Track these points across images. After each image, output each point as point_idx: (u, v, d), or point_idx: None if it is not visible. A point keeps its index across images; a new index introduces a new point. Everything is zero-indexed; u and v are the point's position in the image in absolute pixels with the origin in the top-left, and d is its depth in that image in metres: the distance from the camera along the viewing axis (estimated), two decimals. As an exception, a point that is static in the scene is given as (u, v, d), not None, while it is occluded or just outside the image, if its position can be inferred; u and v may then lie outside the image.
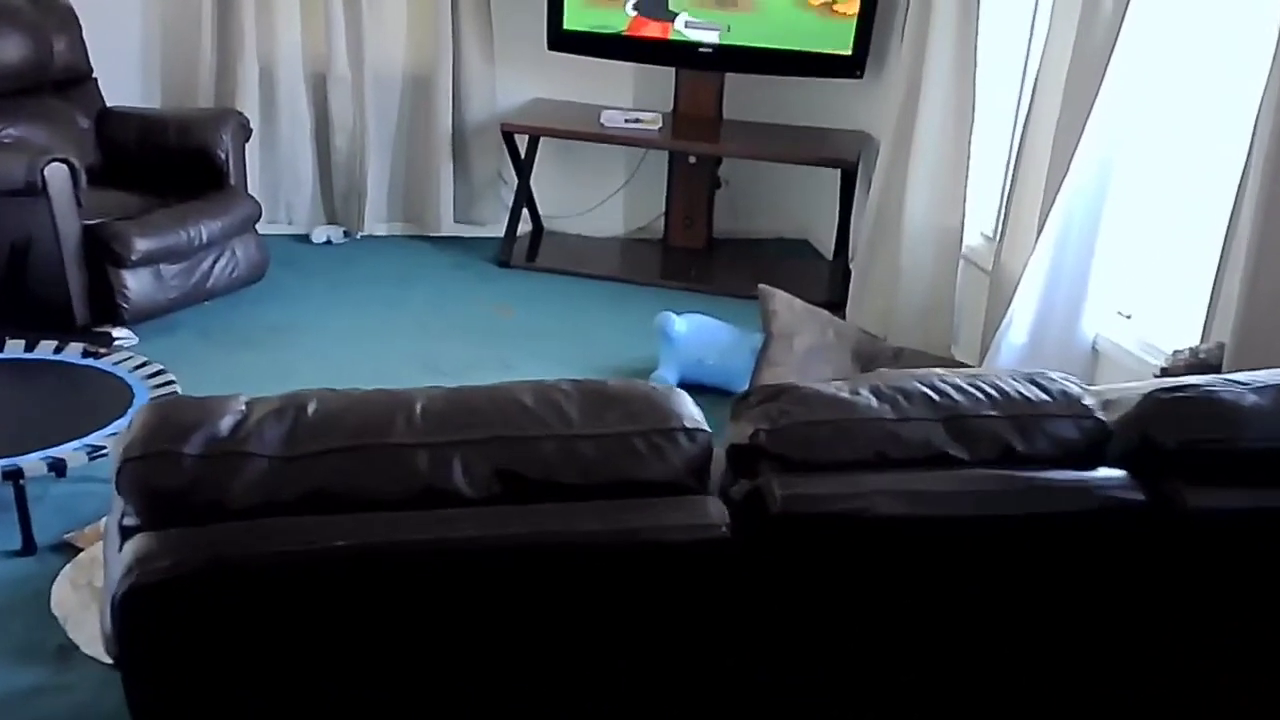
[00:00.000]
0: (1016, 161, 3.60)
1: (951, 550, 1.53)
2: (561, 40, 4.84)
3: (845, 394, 1.65)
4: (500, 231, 5.25)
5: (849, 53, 4.66)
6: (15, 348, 3.35)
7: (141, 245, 3.90)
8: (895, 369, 3.75)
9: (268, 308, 4.39)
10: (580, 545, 1.47)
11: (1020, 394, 1.65)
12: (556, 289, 4.83)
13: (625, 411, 1.55)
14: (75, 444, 2.84)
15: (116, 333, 3.97)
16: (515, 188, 5.08)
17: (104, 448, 2.83)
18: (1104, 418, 1.65)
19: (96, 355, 3.36)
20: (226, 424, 1.50)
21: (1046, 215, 3.26)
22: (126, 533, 1.47)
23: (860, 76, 4.71)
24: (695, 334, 3.81)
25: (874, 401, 1.62)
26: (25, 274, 3.89)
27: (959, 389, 1.65)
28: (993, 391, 1.65)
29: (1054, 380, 1.71)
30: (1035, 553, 1.54)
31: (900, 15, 4.43)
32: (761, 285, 3.78)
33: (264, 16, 4.80)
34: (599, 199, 5.37)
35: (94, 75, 4.54)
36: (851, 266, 4.79)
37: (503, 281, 4.89)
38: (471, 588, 1.47)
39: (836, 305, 4.60)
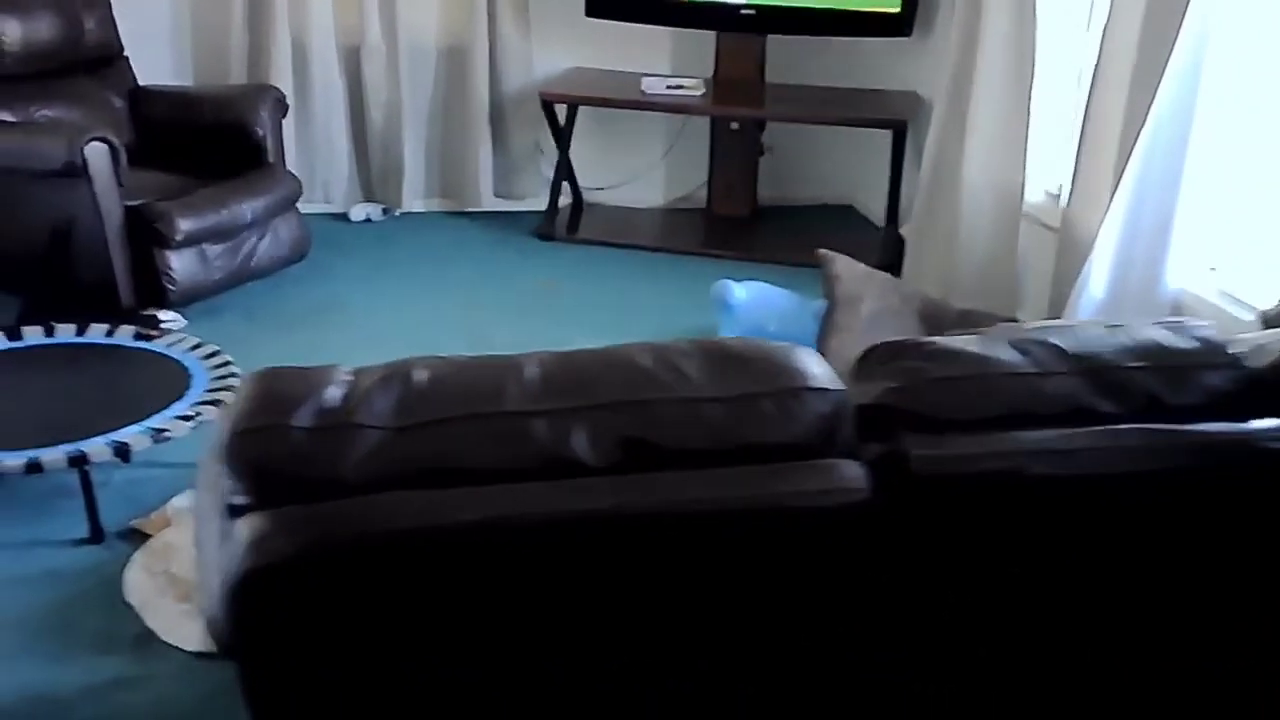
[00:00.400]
0: (1085, 114, 3.48)
1: (1104, 511, 1.44)
2: (599, 6, 4.73)
3: (978, 348, 1.56)
4: (539, 205, 5.16)
5: (897, 10, 4.54)
6: (66, 332, 3.27)
7: (185, 225, 3.82)
8: (961, 331, 3.68)
9: (311, 287, 4.31)
10: (713, 514, 1.38)
11: (1162, 343, 1.56)
12: (600, 261, 4.73)
13: (751, 371, 1.46)
14: (138, 427, 2.77)
15: (163, 315, 3.90)
16: (555, 160, 4.99)
17: (167, 430, 2.76)
18: (1252, 365, 1.55)
19: (149, 338, 3.29)
20: (334, 394, 1.42)
21: (1124, 167, 3.15)
22: (234, 511, 1.39)
23: (909, 35, 4.59)
24: (755, 301, 3.72)
25: (1010, 355, 1.53)
26: (68, 257, 3.82)
27: (1098, 339, 1.56)
28: (1133, 342, 1.56)
29: (1193, 328, 1.62)
30: (1194, 510, 1.45)
31: (951, -31, 4.31)
32: (821, 250, 3.66)
33: (295, -7, 4.71)
34: (639, 169, 5.27)
35: (125, 53, 4.46)
36: (903, 231, 4.69)
37: (545, 255, 4.80)
38: (599, 561, 1.39)
39: (890, 270, 4.50)
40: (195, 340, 3.24)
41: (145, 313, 3.89)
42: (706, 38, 4.94)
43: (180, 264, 3.86)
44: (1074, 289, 3.25)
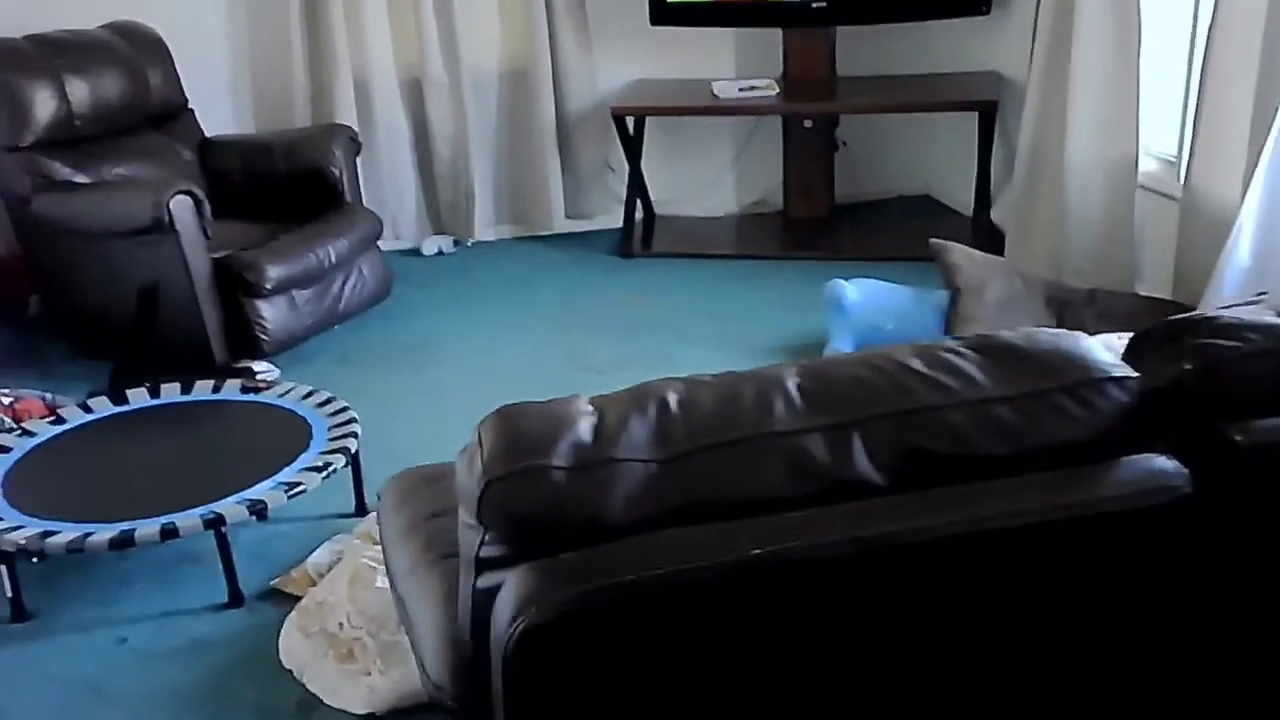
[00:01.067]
0: (1204, 73, 3.32)
1: None
2: (664, 13, 4.61)
3: (1265, 320, 1.41)
4: (611, 223, 5.05)
5: (973, -13, 4.40)
6: (171, 391, 3.16)
7: (274, 272, 3.71)
8: (1091, 311, 3.52)
9: (398, 326, 4.20)
10: (1021, 528, 1.24)
11: None
12: (683, 273, 4.60)
13: (1037, 366, 1.32)
14: (269, 483, 2.65)
15: (257, 366, 3.78)
16: (626, 175, 4.87)
17: (300, 484, 2.64)
18: None
19: (256, 390, 3.18)
20: (586, 428, 1.28)
21: (1264, 129, 2.99)
22: (486, 565, 1.25)
23: (987, 13, 4.45)
24: (870, 299, 3.57)
25: (1303, 322, 1.39)
26: (156, 317, 3.72)
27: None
28: None
29: None
30: None
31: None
32: (934, 240, 3.53)
33: (354, 27, 4.61)
34: (710, 176, 5.14)
35: (190, 106, 4.37)
36: (995, 215, 4.54)
37: (628, 272, 4.66)
38: (898, 587, 1.25)
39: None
40: (305, 388, 3.12)
41: (239, 365, 3.78)
42: (772, 37, 4.81)
43: (271, 312, 3.76)
44: (1221, 258, 3.08)
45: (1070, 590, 1.27)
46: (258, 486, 2.64)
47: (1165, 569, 1.28)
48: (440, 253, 4.92)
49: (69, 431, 2.99)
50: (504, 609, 1.18)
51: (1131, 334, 1.42)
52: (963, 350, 1.35)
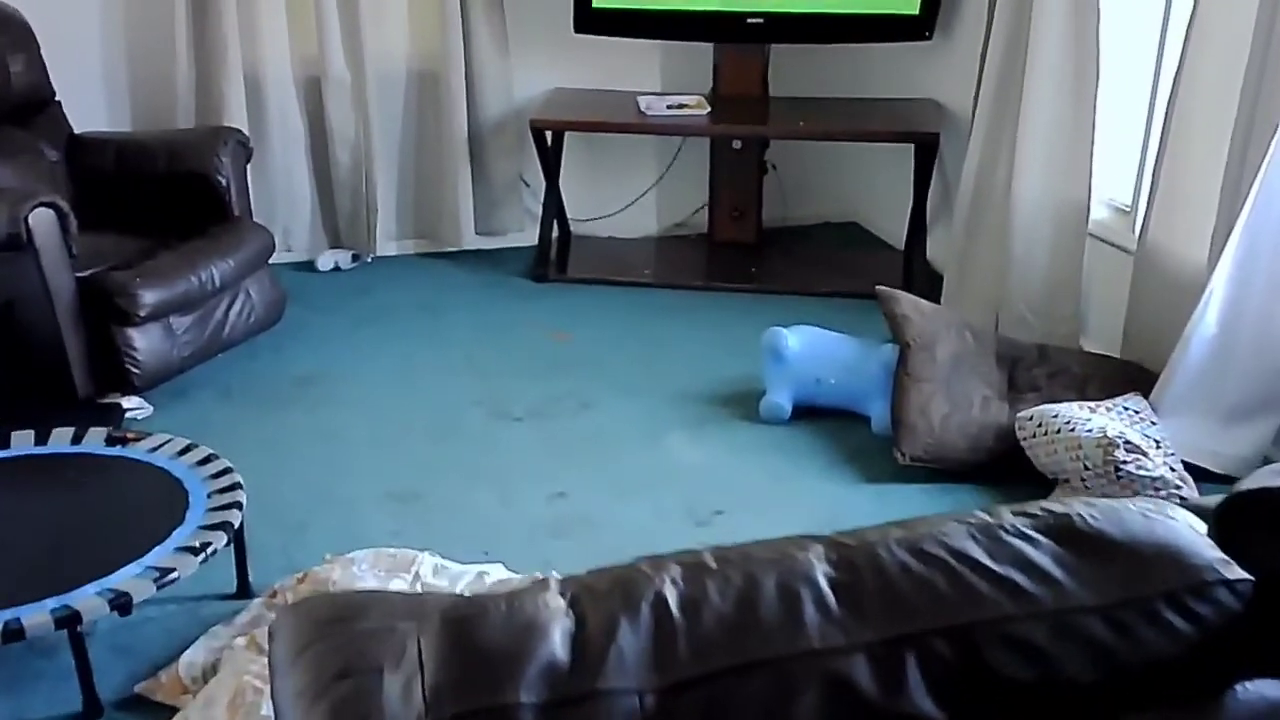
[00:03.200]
0: (1166, 121, 3.13)
1: None
2: (589, 21, 4.28)
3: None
4: (523, 240, 4.73)
5: (916, 12, 4.17)
6: (24, 441, 2.74)
7: (149, 297, 3.29)
8: (1044, 370, 3.32)
9: (289, 356, 3.80)
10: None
11: None
12: (602, 303, 4.28)
13: (1132, 563, 1.05)
14: (135, 568, 2.26)
15: (127, 403, 3.37)
16: (544, 191, 4.53)
17: (173, 571, 2.26)
18: None
19: (124, 441, 2.76)
20: (560, 641, 0.97)
21: (1237, 182, 2.81)
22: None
23: (929, 38, 4.23)
24: (810, 350, 3.31)
25: None
26: (10, 343, 3.26)
27: None
28: None
29: None
30: None
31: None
32: (880, 288, 3.28)
33: (246, 16, 4.17)
34: (631, 197, 4.83)
35: (57, 98, 3.89)
36: (929, 253, 4.33)
37: (543, 299, 4.33)
38: None
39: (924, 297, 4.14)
40: (181, 441, 2.73)
41: (105, 400, 3.36)
42: (700, 50, 4.52)
43: (144, 342, 3.33)
44: (1189, 325, 2.89)
45: None
46: (122, 572, 2.24)
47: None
48: (337, 268, 4.52)
49: (-103, 492, 2.56)
50: None
51: (1214, 510, 1.15)
52: (1036, 536, 1.07)
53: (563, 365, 3.79)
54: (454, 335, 4.01)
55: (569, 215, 4.76)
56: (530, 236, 4.72)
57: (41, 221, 3.11)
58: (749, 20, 4.23)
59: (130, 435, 2.80)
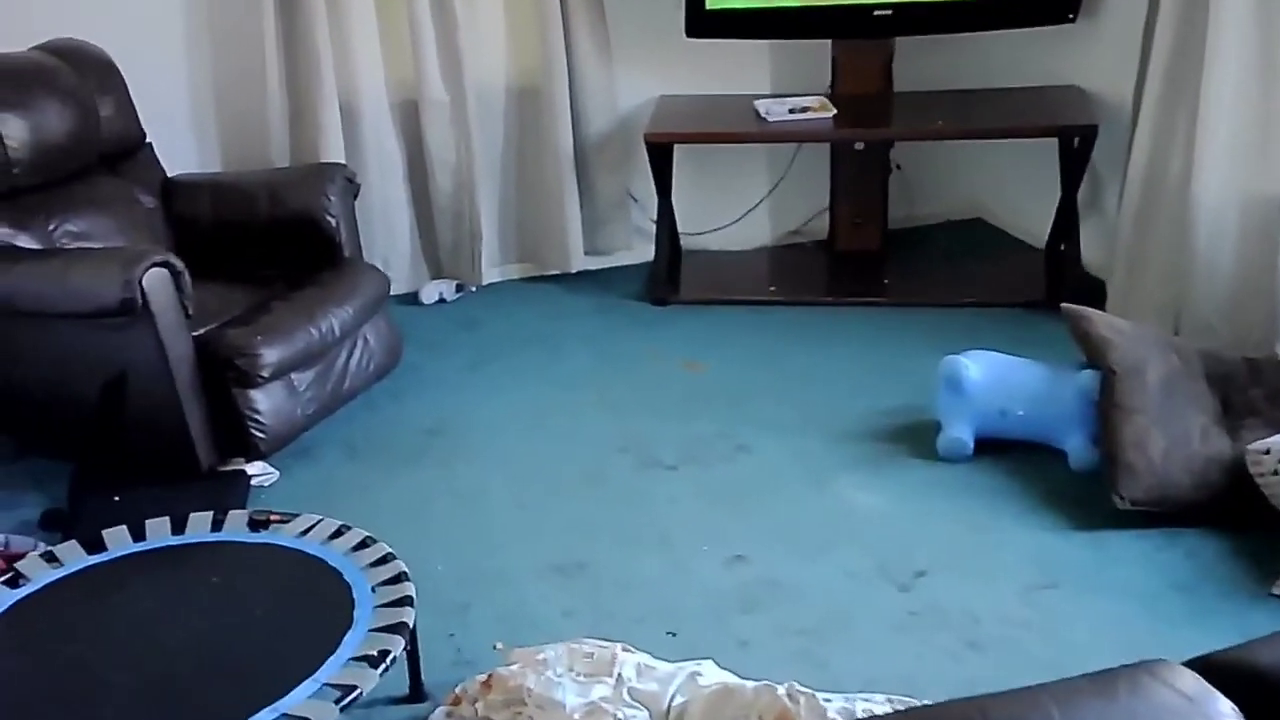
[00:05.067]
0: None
1: None
2: (703, 24, 3.99)
3: None
4: (630, 259, 4.49)
5: (1061, -9, 3.84)
6: (160, 530, 2.50)
7: (271, 356, 3.04)
8: (1260, 390, 2.99)
9: (410, 403, 3.54)
10: None
11: None
12: (725, 325, 3.99)
13: None
14: (310, 686, 2.00)
15: (251, 469, 3.13)
16: (656, 207, 4.25)
17: (354, 689, 2.00)
18: None
19: (267, 524, 2.52)
20: None
21: None
22: None
23: (1073, 20, 3.89)
24: (993, 378, 3.01)
25: None
26: (127, 414, 3.04)
27: None
28: None
29: None
30: None
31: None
32: (1068, 305, 2.97)
33: (339, 42, 3.91)
34: (742, 205, 4.53)
35: (148, 140, 3.66)
36: (1084, 250, 4.00)
37: (664, 323, 4.04)
38: None
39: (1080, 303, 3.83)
40: (333, 524, 2.47)
41: (228, 468, 3.12)
42: (812, 45, 4.21)
43: (268, 404, 3.09)
44: None
45: None
46: (296, 693, 1.99)
47: None
48: (442, 300, 4.27)
49: (29, 598, 2.32)
50: None
51: None
52: None
53: (702, 399, 3.51)
54: (577, 370, 3.74)
55: (680, 229, 4.47)
56: (637, 254, 4.46)
57: (156, 283, 2.88)
58: (875, 12, 3.92)
59: (274, 517, 2.55)
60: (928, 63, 4.28)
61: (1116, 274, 3.67)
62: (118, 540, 2.48)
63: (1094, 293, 3.85)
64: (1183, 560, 2.59)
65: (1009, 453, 3.03)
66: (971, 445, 3.01)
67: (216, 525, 2.52)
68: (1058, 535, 2.73)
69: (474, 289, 4.33)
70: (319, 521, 2.49)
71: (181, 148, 3.89)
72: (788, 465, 3.10)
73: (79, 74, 3.41)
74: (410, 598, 2.23)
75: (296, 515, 2.54)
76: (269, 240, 3.52)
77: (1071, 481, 2.90)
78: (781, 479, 3.04)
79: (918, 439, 3.14)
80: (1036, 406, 2.96)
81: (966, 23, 3.96)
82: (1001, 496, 2.89)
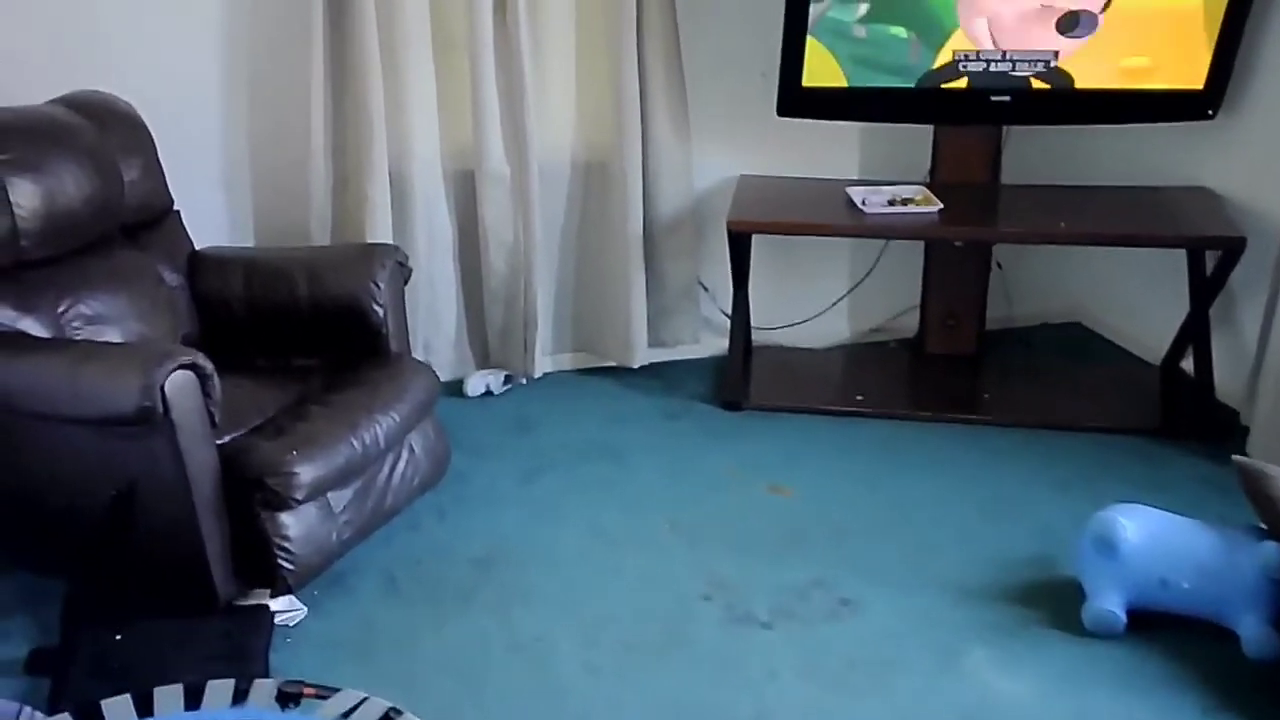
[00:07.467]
0: None
1: None
2: (799, 102, 3.59)
3: None
4: (693, 353, 4.07)
5: (1200, 87, 3.44)
6: (172, 702, 2.05)
7: (308, 475, 2.60)
8: None
9: (457, 523, 3.10)
10: None
11: None
12: (810, 438, 3.55)
13: None
14: None
15: (275, 604, 2.67)
16: (732, 300, 3.83)
17: None
18: None
19: (298, 699, 2.07)
20: None
21: None
22: None
23: (1212, 117, 3.50)
24: (1153, 542, 2.56)
25: None
26: (132, 533, 2.59)
27: None
28: None
29: None
30: None
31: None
32: (1240, 459, 2.54)
33: (392, 108, 3.50)
34: (821, 300, 4.12)
35: (175, 208, 3.25)
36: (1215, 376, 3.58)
37: (739, 434, 3.60)
38: None
39: (1209, 432, 3.41)
40: (381, 705, 2.02)
41: (249, 602, 2.67)
42: (908, 129, 3.81)
43: (299, 529, 2.64)
44: None
45: None
46: None
47: None
48: (489, 392, 3.84)
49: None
50: None
51: None
52: None
53: (792, 534, 3.06)
54: (646, 488, 3.30)
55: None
56: (702, 349, 4.05)
57: (180, 388, 2.44)
58: (993, 98, 3.51)
59: (308, 690, 2.09)
60: (1037, 152, 3.89)
61: (1261, 408, 3.24)
62: (119, 715, 2.03)
63: (1226, 426, 3.44)
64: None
65: (1166, 629, 2.57)
66: (1124, 620, 2.56)
67: (239, 697, 2.07)
68: (1245, 745, 2.28)
69: (524, 380, 3.90)
70: (363, 702, 2.04)
71: (211, 215, 3.49)
72: (904, 630, 2.65)
73: (102, 131, 3.00)
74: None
75: (335, 691, 2.08)
76: (306, 328, 3.09)
77: (1247, 671, 2.45)
78: (899, 649, 2.59)
79: (1056, 603, 2.69)
80: (1205, 579, 2.51)
81: (1093, 115, 3.55)
82: (1165, 689, 2.42)
